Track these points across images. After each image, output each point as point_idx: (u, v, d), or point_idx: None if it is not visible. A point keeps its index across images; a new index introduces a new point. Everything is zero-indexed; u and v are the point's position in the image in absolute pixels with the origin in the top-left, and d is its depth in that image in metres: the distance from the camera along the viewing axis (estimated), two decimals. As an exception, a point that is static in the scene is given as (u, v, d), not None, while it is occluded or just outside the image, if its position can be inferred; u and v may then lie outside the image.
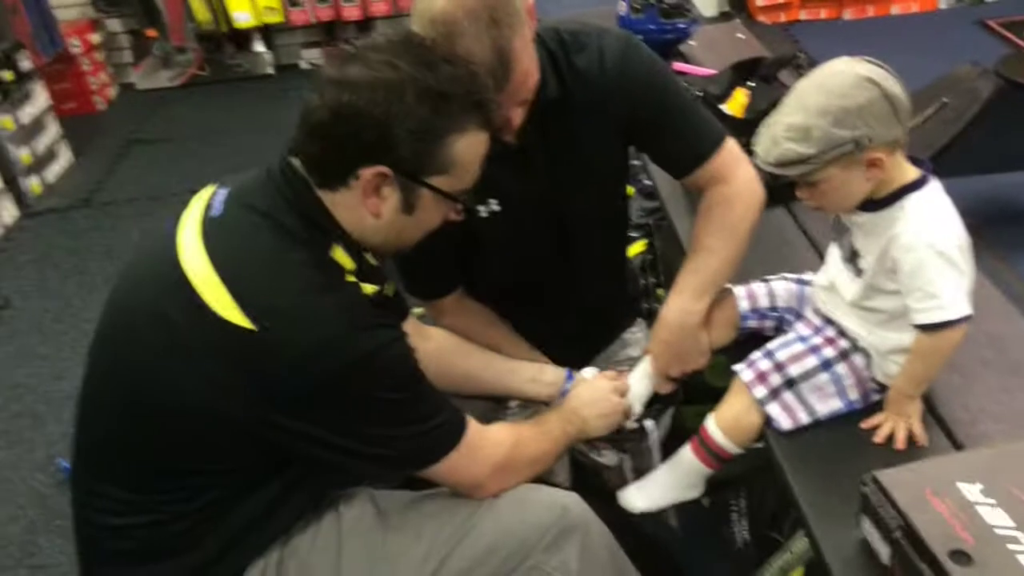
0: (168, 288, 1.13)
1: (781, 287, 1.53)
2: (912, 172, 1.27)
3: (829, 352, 1.36)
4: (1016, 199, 3.09)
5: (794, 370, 1.35)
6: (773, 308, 1.52)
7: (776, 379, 1.35)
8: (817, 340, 1.38)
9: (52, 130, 4.33)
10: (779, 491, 1.69)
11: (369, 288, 1.20)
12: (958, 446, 1.27)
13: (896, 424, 1.29)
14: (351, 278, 1.18)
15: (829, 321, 1.40)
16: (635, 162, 2.83)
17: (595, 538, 1.31)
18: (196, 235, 1.15)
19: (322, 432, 1.15)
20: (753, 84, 2.11)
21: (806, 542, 1.58)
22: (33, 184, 4.09)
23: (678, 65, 2.70)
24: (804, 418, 1.34)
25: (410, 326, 1.52)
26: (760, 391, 1.35)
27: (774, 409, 1.34)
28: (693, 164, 1.60)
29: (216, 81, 5.37)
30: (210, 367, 1.11)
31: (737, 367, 1.40)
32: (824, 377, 1.34)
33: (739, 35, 3.03)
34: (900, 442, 1.27)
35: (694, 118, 1.63)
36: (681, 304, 1.55)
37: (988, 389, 1.37)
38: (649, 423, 1.58)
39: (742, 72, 2.18)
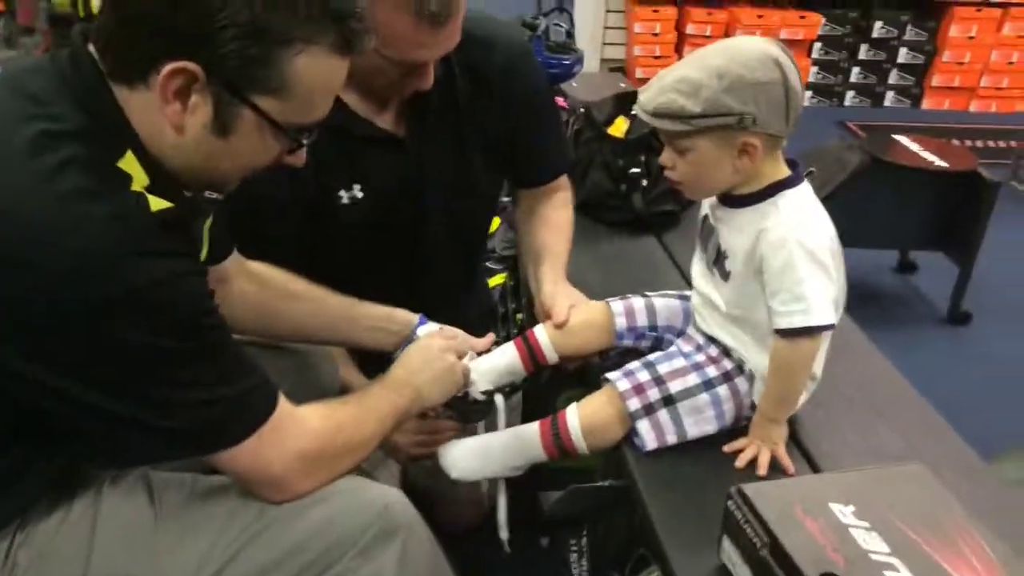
0: None
1: (661, 303, 1.40)
2: (785, 171, 1.20)
3: (712, 371, 1.25)
4: (870, 277, 3.20)
5: (674, 386, 1.23)
6: (652, 327, 1.38)
7: (654, 394, 1.23)
8: (700, 358, 1.27)
9: None
10: (626, 523, 1.59)
11: (159, 203, 0.91)
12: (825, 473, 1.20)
13: (760, 449, 1.21)
14: (138, 189, 0.91)
15: (712, 340, 1.29)
16: (505, 198, 2.78)
17: (418, 544, 1.09)
18: None
19: (69, 384, 0.89)
20: (634, 113, 2.05)
21: (650, 581, 1.48)
22: None
23: (560, 100, 2.66)
24: (671, 440, 1.23)
25: (234, 259, 1.31)
26: (634, 403, 1.22)
27: (643, 426, 1.22)
28: (550, 178, 1.69)
29: (65, 70, 4.97)
30: None
31: (612, 375, 1.26)
32: (704, 398, 1.23)
33: (621, 84, 3.02)
34: (763, 467, 1.19)
35: (562, 134, 1.75)
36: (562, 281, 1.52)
37: (852, 426, 1.33)
38: (498, 398, 1.38)
39: (624, 102, 2.12)
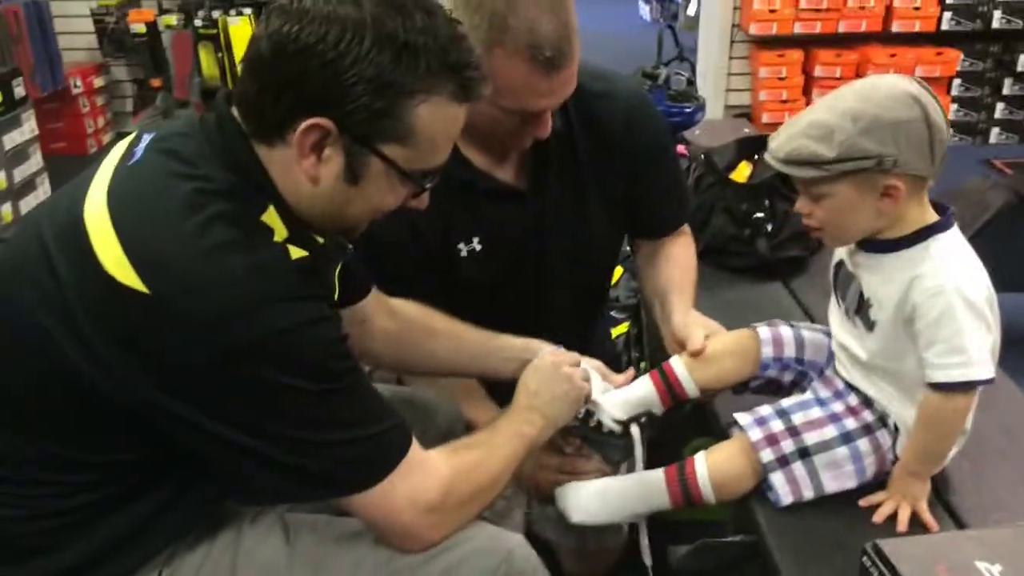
0: (62, 233, 0.96)
1: (810, 336, 1.33)
2: (933, 215, 1.14)
3: (851, 423, 1.19)
4: (1018, 320, 3.00)
5: (810, 438, 1.18)
6: (799, 359, 1.31)
7: (788, 445, 1.18)
8: (838, 407, 1.21)
9: (34, 161, 4.26)
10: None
11: (297, 252, 0.98)
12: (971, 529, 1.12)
13: (900, 504, 1.14)
14: (278, 240, 0.98)
15: (852, 388, 1.23)
16: (626, 247, 2.77)
17: None
18: (105, 181, 0.98)
19: (215, 424, 0.94)
20: (758, 157, 2.01)
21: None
22: (5, 211, 3.99)
23: (680, 148, 2.64)
24: (808, 494, 1.17)
25: (373, 299, 1.36)
26: (768, 455, 1.17)
27: (777, 479, 1.17)
28: (669, 230, 1.67)
29: (216, 140, 5.29)
30: (87, 326, 0.92)
31: (743, 421, 1.22)
32: (843, 451, 1.17)
33: (745, 129, 2.97)
34: (902, 524, 1.12)
35: (682, 185, 1.73)
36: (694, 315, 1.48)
37: (1002, 480, 1.24)
38: (634, 428, 1.33)
39: (747, 146, 2.09)
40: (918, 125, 1.07)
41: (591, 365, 1.38)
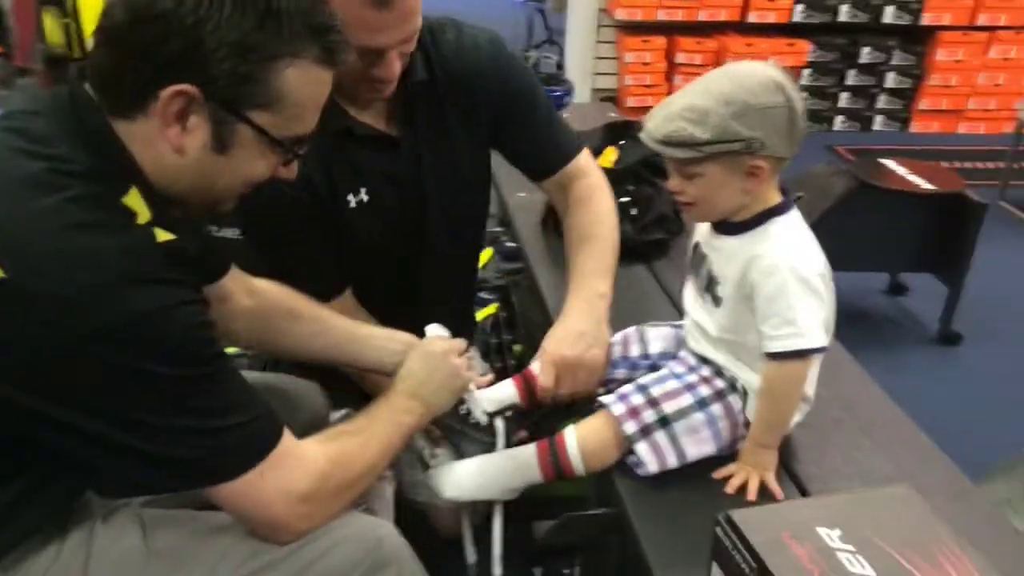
0: None
1: (653, 332, 1.42)
2: (777, 197, 1.22)
3: (705, 390, 1.26)
4: (860, 299, 3.22)
5: (668, 407, 1.24)
6: (645, 356, 1.40)
7: (649, 415, 1.24)
8: (692, 378, 1.28)
9: None
10: (618, 553, 1.59)
11: (163, 235, 0.94)
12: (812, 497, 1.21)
13: (750, 475, 1.21)
14: (142, 223, 0.94)
15: (704, 360, 1.31)
16: (497, 228, 2.80)
17: None
18: None
19: (73, 414, 0.90)
20: (623, 143, 2.07)
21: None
22: None
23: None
24: (672, 461, 1.23)
25: (233, 277, 1.33)
26: (631, 427, 1.23)
27: (642, 448, 1.23)
28: (562, 161, 1.65)
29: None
30: None
31: (606, 399, 1.27)
32: (699, 417, 1.24)
33: (611, 114, 3.05)
34: (752, 492, 1.20)
35: (558, 119, 1.70)
36: (589, 284, 1.50)
37: (840, 448, 1.33)
38: (499, 421, 1.36)
39: (613, 133, 2.15)
40: (782, 111, 1.14)
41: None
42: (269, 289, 1.39)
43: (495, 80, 1.57)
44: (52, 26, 4.62)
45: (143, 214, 0.94)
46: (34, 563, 1.01)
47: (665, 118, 1.16)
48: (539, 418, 1.45)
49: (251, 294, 1.36)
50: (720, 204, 1.22)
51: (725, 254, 1.24)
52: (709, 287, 1.27)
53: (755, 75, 1.15)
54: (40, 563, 1.01)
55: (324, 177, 1.49)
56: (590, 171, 1.69)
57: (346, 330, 1.40)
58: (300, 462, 1.04)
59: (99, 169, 0.93)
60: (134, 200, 0.94)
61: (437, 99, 1.53)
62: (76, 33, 4.59)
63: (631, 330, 1.43)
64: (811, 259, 1.18)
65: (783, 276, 1.15)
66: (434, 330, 1.41)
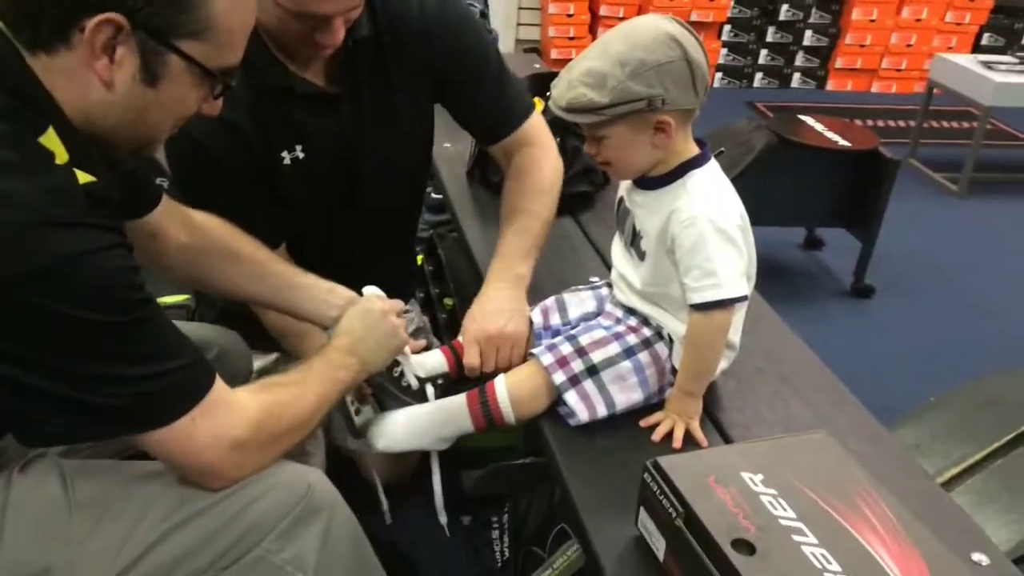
0: None
1: (572, 299, 1.43)
2: (694, 149, 1.23)
3: (632, 339, 1.27)
4: (778, 254, 3.30)
5: (596, 356, 1.25)
6: (567, 323, 1.40)
7: (578, 364, 1.25)
8: (619, 328, 1.29)
9: None
10: (545, 501, 1.62)
11: (84, 177, 0.90)
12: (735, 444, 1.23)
13: (675, 423, 1.24)
14: (60, 163, 0.90)
15: (631, 312, 1.32)
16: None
17: (340, 525, 1.09)
18: None
19: None
20: (549, 94, 2.06)
21: (568, 557, 1.52)
22: None
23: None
24: (602, 410, 1.25)
25: (168, 211, 1.28)
26: (559, 376, 1.24)
27: (571, 398, 1.24)
28: (511, 127, 1.62)
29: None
30: None
31: (536, 350, 1.28)
32: (627, 365, 1.26)
33: (536, 65, 3.02)
34: (677, 440, 1.22)
35: (510, 81, 1.65)
36: (507, 266, 1.48)
37: (762, 396, 1.37)
38: (429, 387, 1.36)
39: (538, 85, 2.13)
40: (680, 64, 1.14)
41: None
42: (209, 225, 1.35)
43: (441, 37, 1.53)
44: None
45: (61, 155, 0.90)
46: None
47: (567, 85, 1.16)
48: (466, 385, 1.45)
49: (189, 229, 1.32)
50: (634, 162, 1.22)
51: (647, 209, 1.25)
52: (633, 242, 1.29)
53: (649, 31, 1.15)
54: None
55: (258, 132, 1.45)
56: (537, 138, 1.65)
57: (286, 277, 1.37)
58: (233, 410, 1.02)
59: (13, 107, 0.88)
60: (51, 140, 0.90)
61: (380, 54, 1.49)
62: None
63: (549, 301, 1.43)
64: (729, 210, 1.20)
65: (701, 228, 1.17)
66: (372, 291, 1.39)
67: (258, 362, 1.68)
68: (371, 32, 1.46)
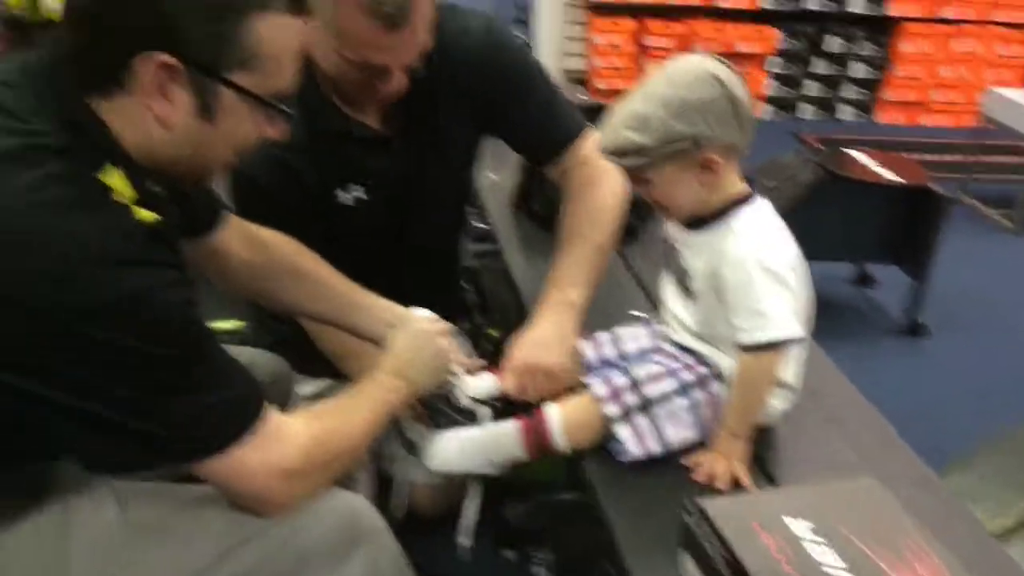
0: None
1: (627, 332, 1.41)
2: (741, 187, 1.23)
3: (688, 376, 1.26)
4: (827, 289, 3.26)
5: (651, 391, 1.24)
6: (622, 356, 1.38)
7: (631, 399, 1.23)
8: (675, 365, 1.28)
9: None
10: (588, 536, 1.60)
11: (144, 214, 0.92)
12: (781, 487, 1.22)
13: (721, 463, 1.22)
14: (120, 200, 0.93)
15: (686, 350, 1.31)
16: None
17: (384, 552, 1.10)
18: None
19: (58, 393, 0.89)
20: (594, 127, 2.07)
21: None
22: None
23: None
24: (654, 446, 1.23)
25: (232, 227, 1.32)
26: (612, 409, 1.23)
27: (624, 432, 1.23)
28: (563, 144, 1.60)
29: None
30: None
31: (590, 379, 1.28)
32: (681, 402, 1.24)
33: (581, 96, 3.05)
34: (721, 481, 1.20)
35: (560, 102, 1.64)
36: (560, 294, 1.47)
37: (808, 436, 1.35)
38: (484, 408, 1.36)
39: (585, 116, 2.13)
40: (722, 102, 1.14)
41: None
42: (275, 241, 1.39)
43: (485, 66, 1.54)
44: (11, -12, 4.50)
45: (120, 190, 0.93)
46: (10, 538, 1.00)
47: (612, 130, 1.17)
48: (520, 410, 1.45)
49: (252, 245, 1.36)
50: (683, 202, 1.22)
51: (694, 249, 1.25)
52: (683, 281, 1.28)
53: (690, 71, 1.16)
54: (17, 539, 1.00)
55: (313, 172, 1.49)
56: (592, 158, 1.59)
57: (347, 296, 1.40)
58: (284, 438, 1.04)
59: (76, 146, 0.91)
60: (110, 176, 0.92)
61: (431, 91, 1.51)
62: (35, -4, 4.48)
63: (603, 333, 1.42)
64: (778, 249, 1.19)
65: (749, 268, 1.16)
66: (421, 312, 1.41)
67: (309, 387, 1.71)
68: (424, 72, 1.47)
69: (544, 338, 1.41)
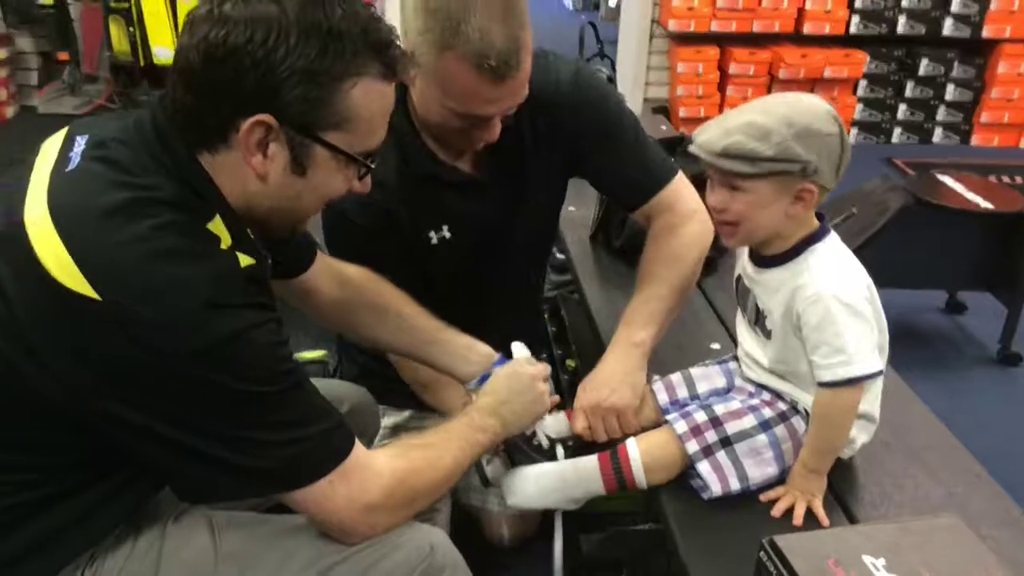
0: (2, 244, 0.96)
1: (698, 372, 1.43)
2: (814, 223, 1.23)
3: (768, 412, 1.26)
4: (916, 318, 3.17)
5: (731, 428, 1.25)
6: (694, 396, 1.40)
7: (711, 435, 1.24)
8: (754, 401, 1.29)
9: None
10: (665, 568, 1.60)
11: (246, 259, 1.00)
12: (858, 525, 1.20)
13: (797, 499, 1.21)
14: (225, 248, 0.99)
15: (761, 387, 1.31)
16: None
17: None
18: (43, 188, 0.98)
19: (165, 428, 0.96)
20: (673, 160, 2.07)
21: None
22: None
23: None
24: (735, 484, 1.24)
25: (321, 268, 1.40)
26: (693, 446, 1.24)
27: (704, 468, 1.24)
28: (650, 192, 1.61)
29: (125, 116, 5.11)
30: (37, 339, 0.93)
31: (670, 416, 1.29)
32: (762, 439, 1.25)
33: (662, 127, 3.05)
34: (798, 518, 1.20)
35: (648, 146, 1.65)
36: (627, 334, 1.50)
37: (889, 473, 1.33)
38: (560, 448, 1.39)
39: (665, 147, 2.12)
40: (835, 141, 1.16)
41: None
42: (359, 279, 1.46)
43: (578, 110, 1.57)
44: (118, 35, 4.77)
45: (225, 239, 1.00)
46: (108, 561, 1.07)
47: (724, 132, 1.16)
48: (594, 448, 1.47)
49: (341, 283, 1.44)
50: (762, 225, 1.21)
51: (769, 288, 1.24)
52: (758, 320, 1.28)
53: (812, 103, 1.17)
54: (116, 561, 1.07)
55: (407, 213, 1.54)
56: (677, 204, 1.61)
57: (428, 332, 1.46)
58: (368, 474, 1.08)
59: (186, 198, 0.99)
60: (218, 227, 1.00)
61: (520, 136, 1.54)
62: (141, 41, 4.73)
63: (675, 375, 1.43)
64: (854, 283, 1.18)
65: (827, 304, 1.15)
66: (520, 350, 1.45)
67: (392, 419, 1.76)
68: (516, 118, 1.50)
69: (610, 378, 1.43)
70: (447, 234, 1.59)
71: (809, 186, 1.16)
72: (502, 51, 1.29)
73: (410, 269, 1.58)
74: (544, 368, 1.40)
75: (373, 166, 1.09)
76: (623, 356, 1.47)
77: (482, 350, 1.46)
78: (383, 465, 1.11)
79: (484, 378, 1.42)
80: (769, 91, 5.01)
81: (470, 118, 1.39)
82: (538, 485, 1.33)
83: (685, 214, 1.60)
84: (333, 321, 1.48)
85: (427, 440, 1.22)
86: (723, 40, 5.00)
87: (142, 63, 4.81)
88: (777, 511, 1.21)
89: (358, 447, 1.08)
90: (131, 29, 4.70)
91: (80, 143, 1.02)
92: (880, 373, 1.20)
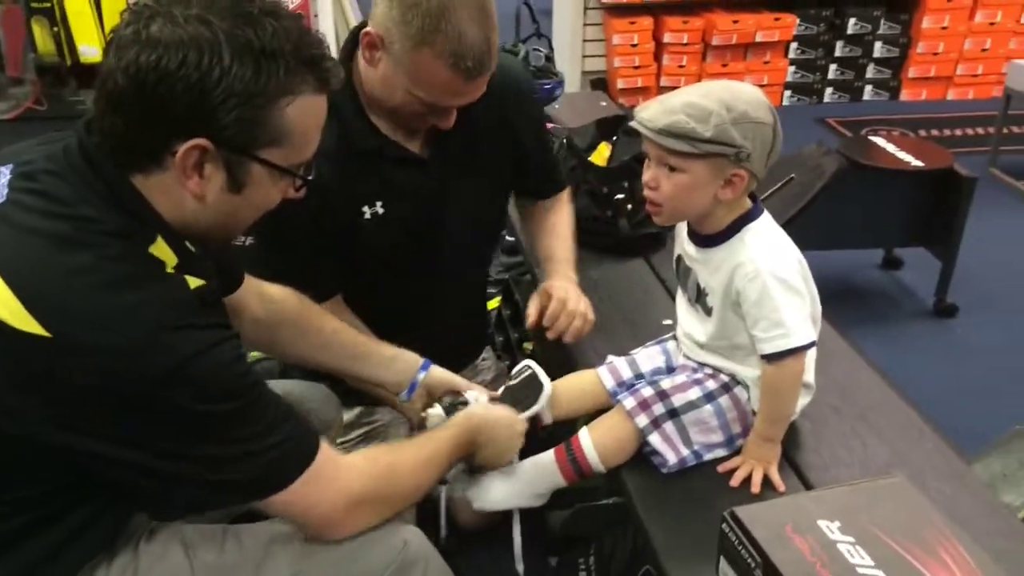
0: None
1: (641, 354, 1.48)
2: (747, 203, 1.28)
3: (711, 384, 1.32)
4: (855, 276, 3.27)
5: (677, 400, 1.30)
6: (639, 376, 1.44)
7: (659, 408, 1.30)
8: (699, 375, 1.34)
9: None
10: (631, 541, 1.65)
11: (194, 281, 1.00)
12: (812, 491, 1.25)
13: (754, 468, 1.26)
14: (172, 271, 1.00)
15: (702, 364, 1.36)
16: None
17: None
18: None
19: (131, 453, 0.96)
20: (616, 138, 2.11)
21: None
22: None
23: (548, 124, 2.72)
24: (685, 451, 1.29)
25: (247, 287, 1.40)
26: (642, 419, 1.29)
27: (655, 439, 1.29)
28: (554, 191, 1.86)
29: (54, 118, 4.87)
30: None
31: (619, 395, 1.34)
32: (708, 409, 1.30)
33: (602, 103, 3.08)
34: (755, 485, 1.25)
35: (556, 154, 1.90)
36: (563, 270, 1.69)
37: (838, 436, 1.38)
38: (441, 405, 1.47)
39: (605, 128, 2.18)
40: (769, 131, 1.20)
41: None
42: (280, 297, 1.45)
43: (523, 103, 1.69)
44: (42, 36, 4.62)
45: (170, 260, 1.00)
46: None
47: (665, 110, 1.20)
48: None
49: (263, 302, 1.43)
50: (690, 206, 1.26)
51: (709, 266, 1.29)
52: (699, 298, 1.33)
53: (753, 93, 1.21)
54: None
55: (342, 187, 1.54)
56: (566, 203, 1.88)
57: (348, 347, 1.48)
58: (340, 467, 1.11)
59: (125, 224, 0.98)
60: (161, 249, 1.00)
61: (471, 122, 1.56)
62: (67, 41, 4.60)
63: (617, 360, 1.48)
64: (788, 259, 1.24)
65: (765, 280, 1.21)
66: (474, 396, 1.46)
67: (344, 416, 1.76)
68: (470, 105, 1.52)
69: (571, 290, 1.61)
70: (380, 210, 1.59)
71: (740, 172, 1.21)
72: (477, 52, 1.36)
73: (337, 248, 1.59)
74: (524, 427, 1.42)
75: (310, 178, 1.10)
76: (570, 284, 1.63)
77: (407, 358, 1.49)
78: (356, 459, 1.14)
79: (413, 387, 1.47)
80: (703, 59, 5.08)
81: (433, 107, 1.45)
82: (502, 487, 1.37)
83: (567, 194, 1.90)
84: (254, 341, 1.46)
85: (415, 444, 1.26)
86: (656, 10, 5.03)
87: (68, 63, 4.69)
88: (735, 480, 1.26)
89: (325, 446, 1.10)
90: (55, 29, 4.56)
91: (5, 174, 1.01)
92: (814, 343, 1.25)
